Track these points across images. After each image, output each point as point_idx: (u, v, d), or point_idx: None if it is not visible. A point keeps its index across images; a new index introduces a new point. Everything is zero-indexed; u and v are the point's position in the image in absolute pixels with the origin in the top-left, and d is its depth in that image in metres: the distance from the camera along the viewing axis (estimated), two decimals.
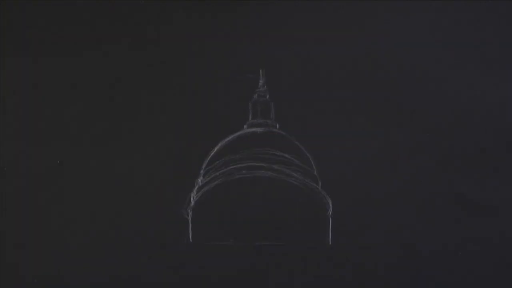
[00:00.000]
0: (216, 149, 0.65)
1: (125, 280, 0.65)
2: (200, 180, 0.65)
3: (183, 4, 0.65)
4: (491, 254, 0.63)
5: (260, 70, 0.65)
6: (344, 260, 0.65)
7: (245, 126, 0.65)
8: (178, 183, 0.65)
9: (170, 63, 0.65)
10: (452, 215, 0.63)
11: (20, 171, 0.65)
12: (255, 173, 0.65)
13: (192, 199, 0.65)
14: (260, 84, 0.65)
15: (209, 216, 0.65)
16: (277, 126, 0.65)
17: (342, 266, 0.65)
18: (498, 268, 0.63)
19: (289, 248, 0.65)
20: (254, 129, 0.65)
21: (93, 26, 0.65)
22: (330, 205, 0.65)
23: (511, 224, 0.64)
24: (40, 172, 0.65)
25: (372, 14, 0.64)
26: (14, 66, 0.66)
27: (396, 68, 0.64)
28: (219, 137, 0.65)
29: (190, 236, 0.65)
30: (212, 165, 0.65)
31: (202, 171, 0.65)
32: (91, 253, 0.65)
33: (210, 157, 0.65)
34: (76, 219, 0.65)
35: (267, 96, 0.65)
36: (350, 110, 0.63)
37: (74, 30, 0.65)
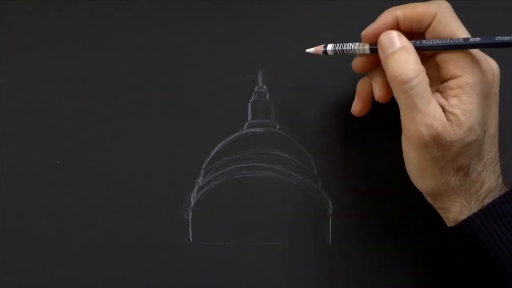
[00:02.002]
0: (216, 149, 0.65)
1: (124, 280, 0.65)
2: (200, 180, 0.65)
3: (182, 4, 0.65)
4: None
5: (260, 70, 0.65)
6: (344, 260, 0.65)
7: (245, 126, 0.65)
8: (178, 183, 0.65)
9: (169, 63, 0.65)
10: None
11: (20, 171, 0.65)
12: (255, 173, 0.65)
13: (192, 199, 0.65)
14: (260, 84, 0.65)
15: (209, 216, 0.65)
16: (277, 126, 0.65)
17: (342, 266, 0.65)
18: None
19: (289, 248, 0.65)
20: (254, 129, 0.65)
21: (93, 26, 0.65)
22: (330, 205, 0.65)
23: None
24: (40, 172, 0.65)
25: (373, 14, 0.64)
26: (14, 66, 0.66)
27: None
28: (219, 137, 0.65)
29: (190, 236, 0.65)
30: (212, 165, 0.65)
31: (202, 171, 0.65)
32: (91, 253, 0.65)
33: (210, 157, 0.65)
34: (75, 219, 0.65)
35: (267, 96, 0.65)
36: (350, 110, 0.63)
37: (75, 30, 0.65)
